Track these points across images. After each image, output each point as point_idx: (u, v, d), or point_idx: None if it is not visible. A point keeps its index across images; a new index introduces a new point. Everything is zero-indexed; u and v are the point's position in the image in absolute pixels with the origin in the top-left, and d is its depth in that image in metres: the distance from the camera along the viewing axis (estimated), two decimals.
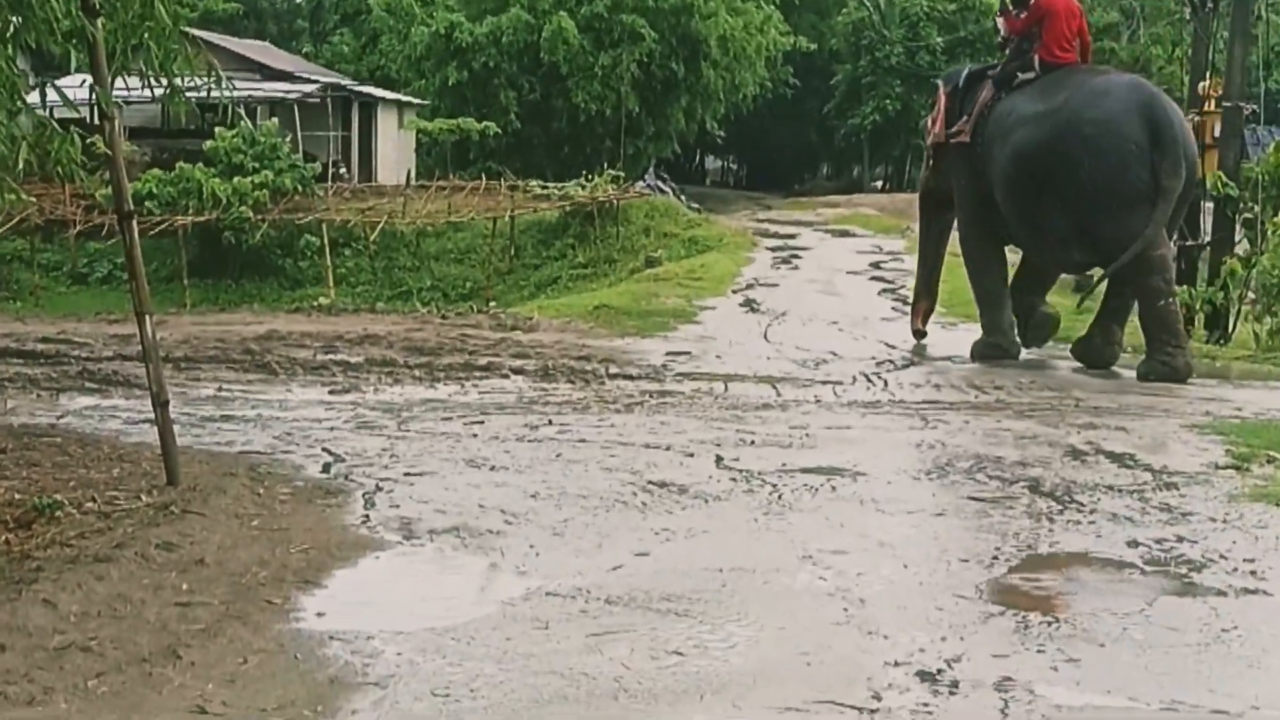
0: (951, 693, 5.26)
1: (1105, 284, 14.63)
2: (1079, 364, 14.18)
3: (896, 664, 5.52)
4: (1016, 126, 14.45)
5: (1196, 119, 20.74)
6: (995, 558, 6.97)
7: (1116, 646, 5.75)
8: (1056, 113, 14.10)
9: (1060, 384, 12.77)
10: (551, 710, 5.10)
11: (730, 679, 5.38)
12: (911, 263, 23.71)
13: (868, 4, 53.49)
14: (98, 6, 7.68)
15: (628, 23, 42.91)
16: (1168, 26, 36.52)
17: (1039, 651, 5.68)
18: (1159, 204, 13.38)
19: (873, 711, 5.08)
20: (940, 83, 16.84)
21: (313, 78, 43.41)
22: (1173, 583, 6.60)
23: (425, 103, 45.35)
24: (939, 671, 5.46)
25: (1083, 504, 7.99)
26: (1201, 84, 21.15)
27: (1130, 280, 13.73)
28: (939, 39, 53.01)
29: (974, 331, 15.43)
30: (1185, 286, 19.94)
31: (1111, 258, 13.63)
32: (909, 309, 16.99)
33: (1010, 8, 15.64)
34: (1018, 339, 15.03)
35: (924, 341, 15.67)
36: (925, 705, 5.14)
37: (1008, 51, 15.44)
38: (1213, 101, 20.64)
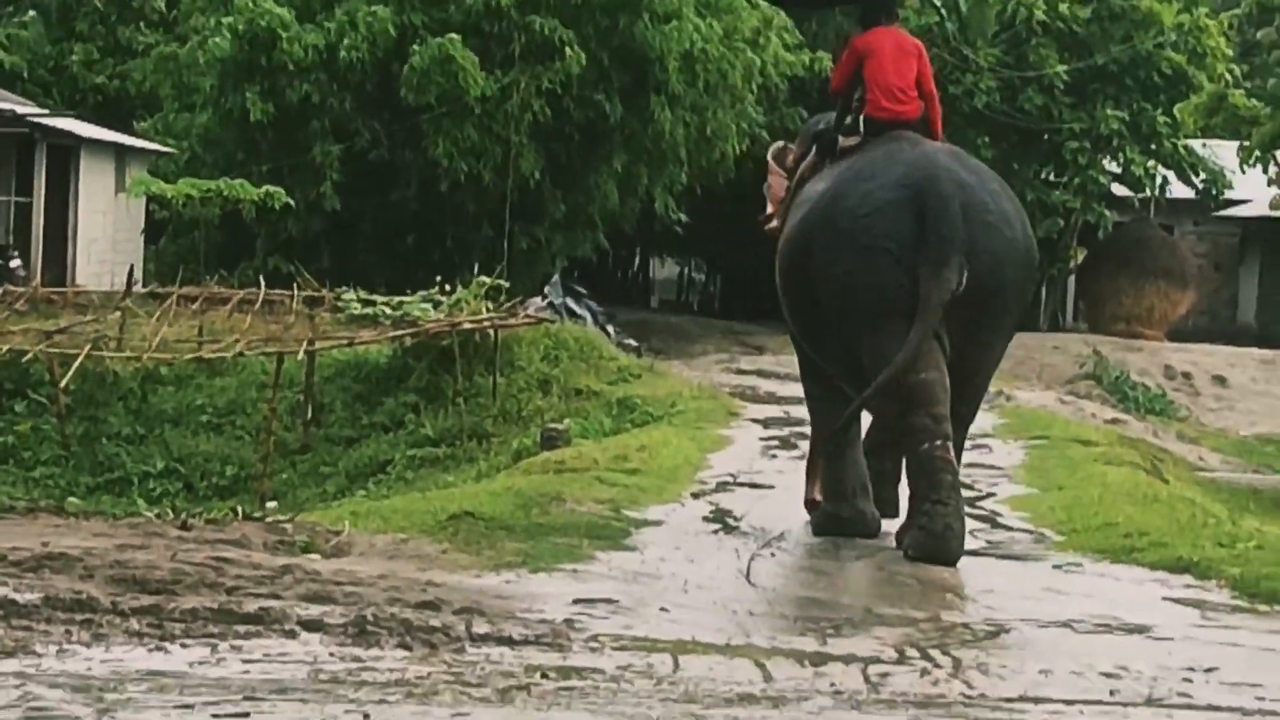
0: None
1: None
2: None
3: None
4: (796, 213, 17.85)
5: None
6: None
7: None
8: (821, 197, 17.35)
9: (1260, 674, 12.72)
10: None
11: None
12: (1007, 453, 24.00)
13: (938, 5, 54.09)
14: None
15: (540, 29, 42.91)
16: None
17: None
18: (918, 318, 16.19)
19: None
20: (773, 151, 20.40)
21: None
22: None
23: (168, 149, 45.50)
24: None
25: None
26: None
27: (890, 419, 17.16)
28: (1060, 68, 53.61)
29: (1115, 578, 16.68)
30: None
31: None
32: (995, 532, 19.28)
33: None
34: (869, 508, 18.24)
35: (1018, 587, 15.93)
36: None
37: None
38: None
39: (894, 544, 17.72)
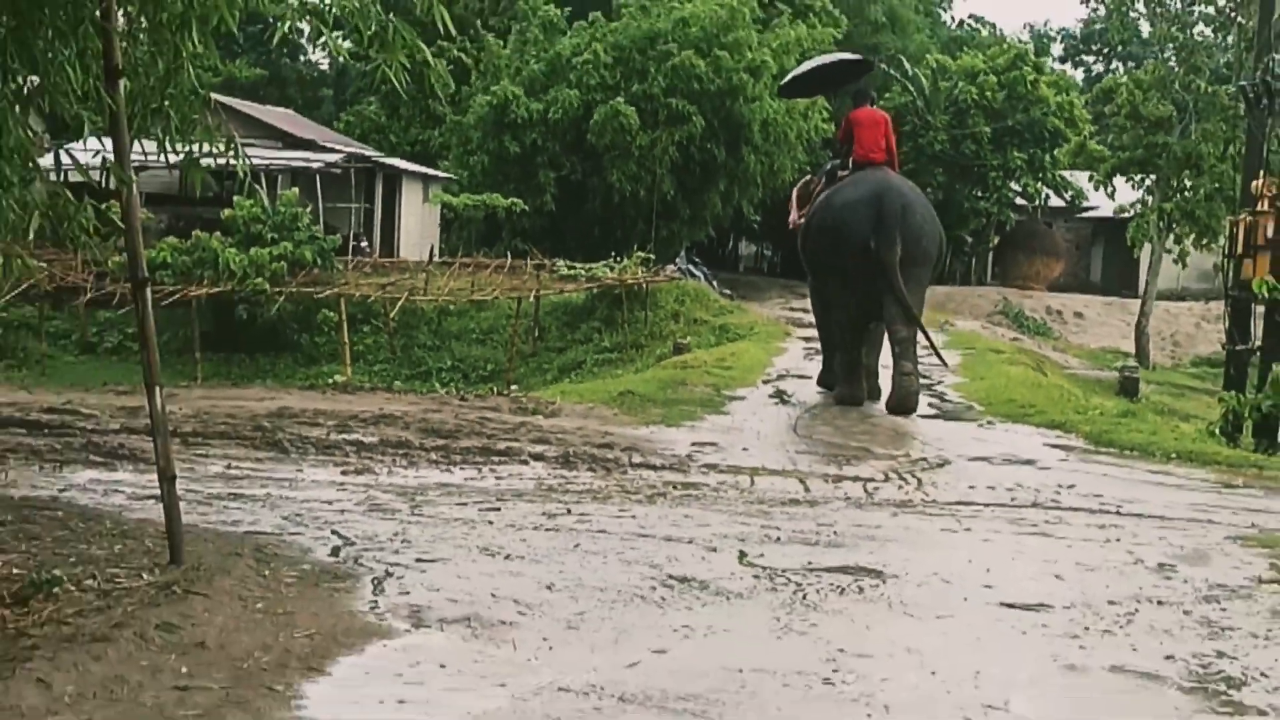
0: None
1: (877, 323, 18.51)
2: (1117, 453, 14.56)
3: None
4: (813, 214, 18.87)
5: (1249, 219, 20.86)
6: (1028, 669, 6.94)
7: None
8: (823, 201, 18.62)
9: (1103, 490, 12.64)
10: None
11: None
12: (953, 359, 23.85)
13: (912, 89, 53.69)
14: (120, 69, 7.75)
15: (675, 106, 43.05)
16: (1221, 122, 36.64)
17: None
18: (888, 269, 17.31)
19: None
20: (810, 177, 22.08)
21: (336, 147, 43.75)
22: (1210, 700, 6.56)
23: (453, 176, 45.61)
24: None
25: (1119, 616, 7.96)
26: (1254, 183, 21.21)
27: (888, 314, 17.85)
28: (986, 127, 53.15)
29: (1016, 432, 16.59)
30: (1234, 392, 20.15)
31: (869, 306, 17.96)
32: (942, 405, 19.06)
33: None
34: (865, 387, 18.64)
35: (958, 438, 15.86)
36: None
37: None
38: (1266, 201, 20.67)
39: (883, 409, 17.85)
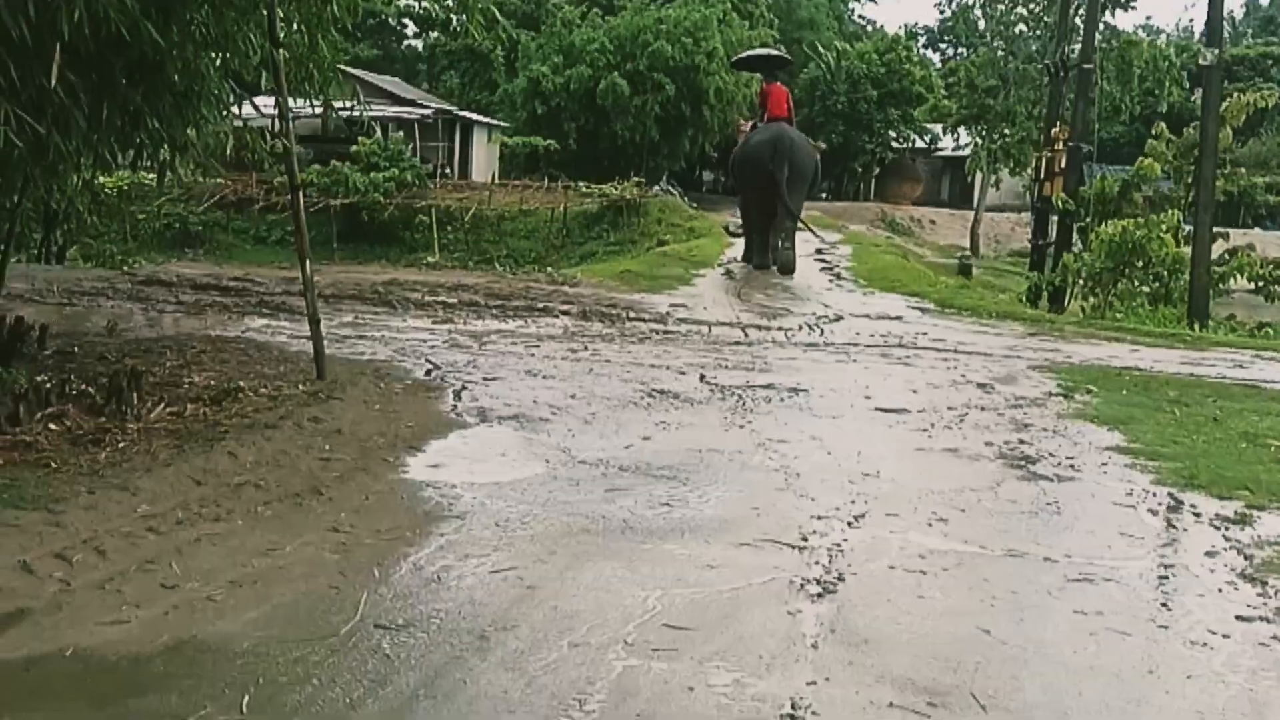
0: (856, 538, 5.30)
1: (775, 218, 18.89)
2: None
3: (819, 517, 5.56)
4: (740, 149, 19.97)
5: (1049, 155, 20.74)
6: (892, 450, 6.99)
7: (973, 511, 5.78)
8: (747, 142, 19.51)
9: (946, 336, 12.63)
10: (578, 539, 5.15)
11: (703, 523, 5.42)
12: (846, 250, 23.71)
13: (822, 65, 52.87)
14: (279, 40, 7.64)
15: (656, 79, 42.54)
16: (1030, 90, 36.23)
17: (917, 511, 5.71)
18: (778, 184, 18.16)
19: (801, 548, 5.12)
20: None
21: (428, 104, 43.10)
22: (1015, 470, 6.61)
23: (507, 125, 45.12)
24: (848, 523, 5.50)
25: (955, 417, 8.00)
26: (1053, 130, 21.05)
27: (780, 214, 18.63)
28: (872, 91, 52.44)
29: (888, 298, 16.30)
30: (1036, 273, 20.18)
31: (770, 208, 18.61)
32: (839, 280, 18.79)
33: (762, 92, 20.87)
34: (769, 259, 18.93)
35: (848, 302, 15.77)
36: (838, 545, 5.18)
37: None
38: (1061, 142, 20.53)
39: (792, 279, 18.04)
